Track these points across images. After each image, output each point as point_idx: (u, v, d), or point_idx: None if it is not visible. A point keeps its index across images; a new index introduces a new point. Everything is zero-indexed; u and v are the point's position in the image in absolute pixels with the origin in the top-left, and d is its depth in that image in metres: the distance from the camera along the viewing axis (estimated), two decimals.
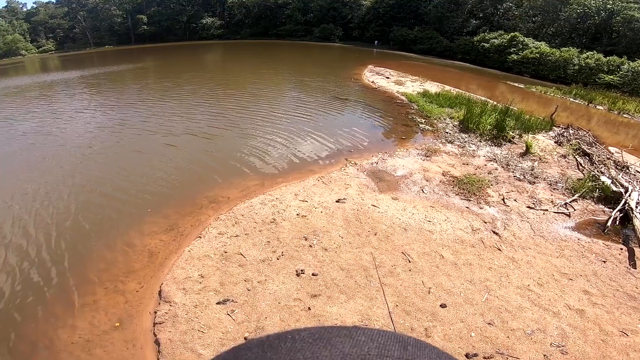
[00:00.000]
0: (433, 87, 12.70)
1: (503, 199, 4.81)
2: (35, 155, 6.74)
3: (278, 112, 9.33)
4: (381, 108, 9.86)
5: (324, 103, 10.41)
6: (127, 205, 4.79)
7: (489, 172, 5.64)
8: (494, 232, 4.10)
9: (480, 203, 4.71)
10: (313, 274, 3.40)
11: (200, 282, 3.37)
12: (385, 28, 30.05)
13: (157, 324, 3.01)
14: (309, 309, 3.03)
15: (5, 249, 4.05)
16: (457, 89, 12.49)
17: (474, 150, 6.63)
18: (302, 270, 3.43)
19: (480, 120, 7.63)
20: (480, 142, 7.08)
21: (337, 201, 4.58)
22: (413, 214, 4.38)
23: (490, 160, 6.13)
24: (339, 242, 3.82)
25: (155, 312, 3.12)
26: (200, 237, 3.95)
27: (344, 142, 6.99)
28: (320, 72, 15.70)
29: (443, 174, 5.49)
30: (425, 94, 10.99)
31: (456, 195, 4.89)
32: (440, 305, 3.05)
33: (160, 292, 3.32)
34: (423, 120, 8.45)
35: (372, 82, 14.03)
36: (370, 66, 17.74)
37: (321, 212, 4.35)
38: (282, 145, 6.78)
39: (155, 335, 2.92)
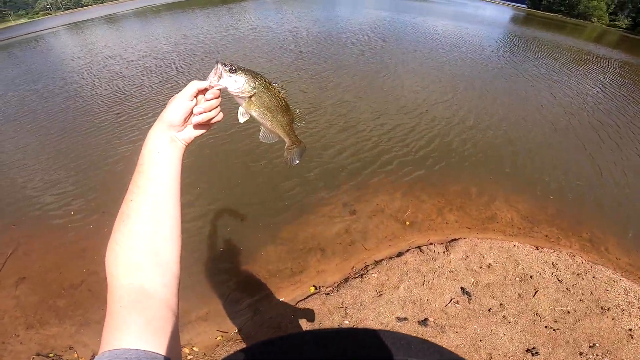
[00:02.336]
0: None
1: None
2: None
3: None
4: None
5: None
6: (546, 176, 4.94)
7: None
8: None
9: None
10: None
11: (480, 268, 3.39)
12: None
13: (417, 249, 3.53)
14: None
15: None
16: None
17: None
18: (535, 352, 2.71)
19: None
20: None
21: None
22: None
23: None
24: None
25: (430, 245, 3.59)
26: (539, 249, 3.64)
27: None
28: None
29: None
30: None
31: None
32: None
33: (454, 239, 3.68)
34: None
35: None
36: None
37: None
38: None
39: (402, 254, 3.48)
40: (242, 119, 0.77)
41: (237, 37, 13.24)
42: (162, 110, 0.67)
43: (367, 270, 3.36)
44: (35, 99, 8.26)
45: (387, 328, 2.92)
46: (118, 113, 6.82)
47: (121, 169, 4.92)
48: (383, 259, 3.47)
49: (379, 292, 3.17)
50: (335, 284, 3.30)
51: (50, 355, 2.95)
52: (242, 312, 3.08)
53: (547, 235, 3.90)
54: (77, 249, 3.73)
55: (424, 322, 2.95)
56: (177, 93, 0.67)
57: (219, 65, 0.69)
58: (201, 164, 4.86)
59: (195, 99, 0.68)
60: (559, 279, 3.36)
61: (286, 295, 3.20)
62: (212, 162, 4.97)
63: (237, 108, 0.77)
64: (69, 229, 4.00)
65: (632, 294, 3.28)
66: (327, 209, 4.08)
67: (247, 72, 0.72)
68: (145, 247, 0.57)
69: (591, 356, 2.77)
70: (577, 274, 3.42)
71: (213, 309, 3.11)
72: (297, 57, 9.99)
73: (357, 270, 3.41)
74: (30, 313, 3.24)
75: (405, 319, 2.97)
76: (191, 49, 11.70)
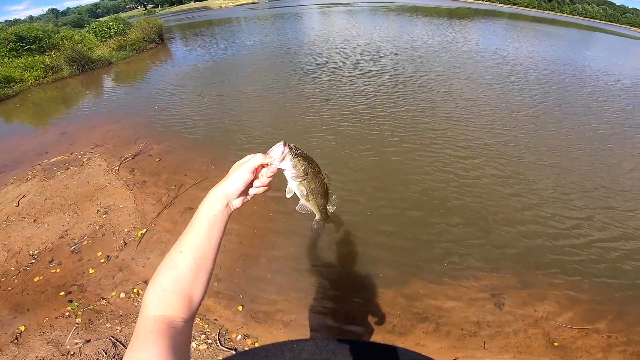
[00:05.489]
0: None
1: None
2: None
3: None
4: None
5: None
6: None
7: None
8: None
9: None
10: None
11: None
12: None
13: None
14: None
15: None
16: None
17: None
18: None
19: None
20: None
21: None
22: None
23: None
24: None
25: None
26: None
27: None
28: None
29: None
30: None
31: None
32: None
33: None
34: None
35: None
36: None
37: None
38: None
39: None
40: (288, 195, 0.89)
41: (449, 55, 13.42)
42: (224, 177, 0.76)
43: None
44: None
45: None
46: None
47: None
48: None
49: None
50: None
51: None
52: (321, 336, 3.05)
53: None
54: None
55: None
56: (240, 159, 0.78)
57: (286, 148, 0.78)
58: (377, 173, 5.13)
59: (255, 171, 0.77)
60: None
61: None
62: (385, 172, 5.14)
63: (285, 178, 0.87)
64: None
65: None
66: (472, 287, 3.42)
67: (305, 159, 0.82)
68: (182, 292, 0.68)
69: None
70: None
71: (299, 319, 3.11)
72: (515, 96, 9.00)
73: None
74: (173, 243, 4.08)
75: None
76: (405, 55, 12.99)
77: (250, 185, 0.78)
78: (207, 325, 2.98)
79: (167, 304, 0.66)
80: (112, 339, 2.85)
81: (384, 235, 3.98)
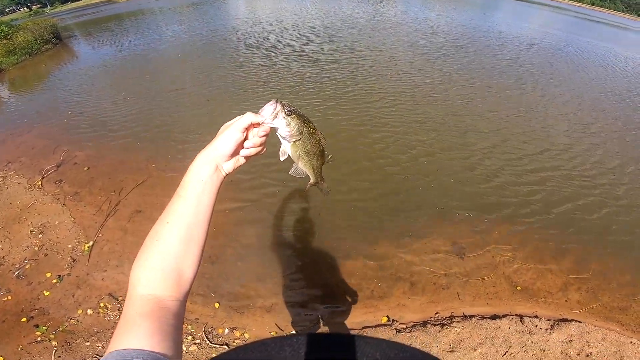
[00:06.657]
0: None
1: None
2: None
3: None
4: None
5: None
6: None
7: None
8: None
9: None
10: None
11: (578, 355, 3.15)
12: None
13: (517, 317, 3.28)
14: None
15: None
16: None
17: None
18: None
19: None
20: None
21: None
22: None
23: None
24: None
25: (535, 317, 3.36)
26: None
27: None
28: None
29: None
30: None
31: None
32: None
33: (565, 319, 3.39)
34: None
35: None
36: None
37: None
38: None
39: (498, 317, 3.22)
40: (282, 158, 0.85)
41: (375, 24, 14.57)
42: (212, 138, 0.72)
43: (451, 322, 3.14)
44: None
45: None
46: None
47: None
48: (474, 316, 3.23)
49: (452, 347, 3.00)
50: (411, 324, 3.11)
51: (119, 298, 3.16)
52: (305, 316, 3.08)
53: None
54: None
55: None
56: (229, 120, 0.74)
57: (278, 105, 0.75)
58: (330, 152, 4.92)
59: (246, 131, 0.74)
60: None
61: (356, 316, 3.13)
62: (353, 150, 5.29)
63: (277, 142, 0.84)
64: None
65: None
66: (433, 241, 3.76)
67: (300, 117, 0.78)
68: (170, 268, 0.64)
69: None
70: None
71: (280, 302, 3.15)
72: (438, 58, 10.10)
73: (440, 317, 3.18)
74: (128, 251, 3.61)
75: None
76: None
77: (241, 147, 0.74)
78: (190, 326, 2.91)
79: (156, 282, 0.63)
80: (97, 357, 2.74)
81: (345, 210, 4.16)
